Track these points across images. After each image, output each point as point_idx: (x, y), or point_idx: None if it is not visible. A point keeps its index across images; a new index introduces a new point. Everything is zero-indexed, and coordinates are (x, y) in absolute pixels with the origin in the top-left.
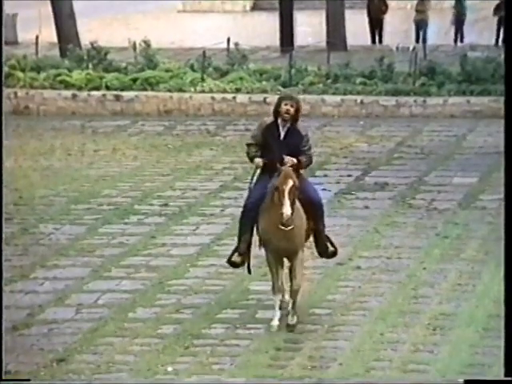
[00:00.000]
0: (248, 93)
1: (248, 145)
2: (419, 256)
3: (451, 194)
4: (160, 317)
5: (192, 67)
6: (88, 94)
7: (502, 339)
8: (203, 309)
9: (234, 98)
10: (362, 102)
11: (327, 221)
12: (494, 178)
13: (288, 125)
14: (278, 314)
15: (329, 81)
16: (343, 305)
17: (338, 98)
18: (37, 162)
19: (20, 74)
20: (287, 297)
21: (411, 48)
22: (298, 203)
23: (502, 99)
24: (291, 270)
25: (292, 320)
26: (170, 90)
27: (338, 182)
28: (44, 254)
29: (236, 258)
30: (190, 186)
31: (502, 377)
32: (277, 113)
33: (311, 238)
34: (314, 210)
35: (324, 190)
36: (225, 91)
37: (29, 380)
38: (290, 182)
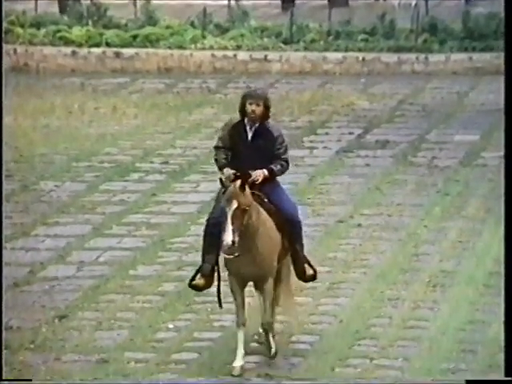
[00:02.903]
0: (249, 50)
1: (216, 148)
2: (420, 214)
3: (452, 152)
4: (161, 274)
5: (192, 24)
6: (88, 51)
7: (501, 297)
8: None
9: (235, 55)
10: (363, 59)
11: (328, 179)
12: (496, 136)
13: (257, 124)
14: (241, 352)
15: (330, 38)
16: (344, 262)
17: (339, 55)
18: (37, 121)
19: (19, 30)
20: (260, 329)
21: (413, 4)
22: (269, 220)
23: None
24: (261, 301)
25: (271, 352)
26: (170, 48)
27: (339, 140)
28: (45, 211)
29: (198, 281)
30: (191, 144)
31: (502, 377)
32: (243, 113)
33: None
34: (289, 227)
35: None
36: (225, 48)
37: (30, 380)
38: (234, 204)
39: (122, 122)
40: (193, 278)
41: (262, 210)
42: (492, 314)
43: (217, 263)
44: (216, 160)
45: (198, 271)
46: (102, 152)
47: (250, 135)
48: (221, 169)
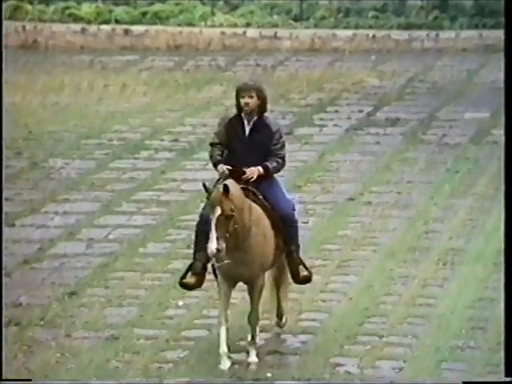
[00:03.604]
0: (259, 27)
1: (211, 144)
2: (430, 191)
3: (462, 130)
4: (171, 252)
5: (202, 1)
6: (97, 28)
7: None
8: None
9: (245, 32)
10: (373, 36)
11: (337, 157)
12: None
13: (254, 118)
14: (223, 351)
15: (340, 15)
16: (353, 240)
17: (349, 33)
18: (46, 98)
19: (28, 7)
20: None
21: None
22: (264, 218)
23: None
24: (250, 299)
25: (251, 357)
26: (179, 25)
27: (349, 118)
28: (54, 188)
29: (189, 279)
30: (201, 121)
31: (502, 377)
32: (238, 107)
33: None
34: (283, 226)
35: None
36: (235, 26)
37: (30, 380)
38: (218, 211)
39: (131, 99)
40: (183, 276)
41: (256, 207)
42: (500, 292)
43: (208, 261)
44: (211, 156)
45: (188, 269)
46: (112, 130)
47: (247, 130)
48: (215, 165)
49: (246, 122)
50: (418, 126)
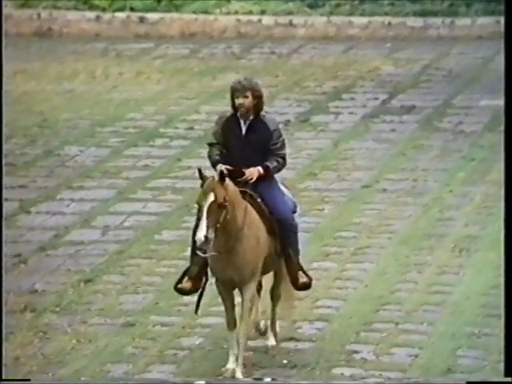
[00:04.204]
0: (274, 15)
1: (210, 145)
2: (445, 179)
3: (478, 117)
4: (186, 239)
5: None
6: (112, 15)
7: None
8: None
9: (260, 20)
10: (389, 23)
11: (353, 145)
12: None
13: (251, 117)
14: (233, 354)
15: (355, 2)
16: (368, 228)
17: (364, 20)
18: (60, 85)
19: None
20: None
21: None
22: (258, 221)
23: None
24: (241, 309)
25: (237, 373)
26: (194, 12)
27: (365, 106)
28: (69, 175)
29: (185, 284)
30: (215, 109)
31: (502, 377)
32: (234, 106)
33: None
34: (281, 230)
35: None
36: (250, 13)
37: (29, 380)
38: (211, 197)
39: (146, 87)
40: (179, 281)
41: (252, 210)
42: None
43: (206, 265)
44: (209, 157)
45: (184, 273)
46: (126, 117)
47: (243, 130)
48: (214, 166)
49: (242, 122)
50: (434, 113)
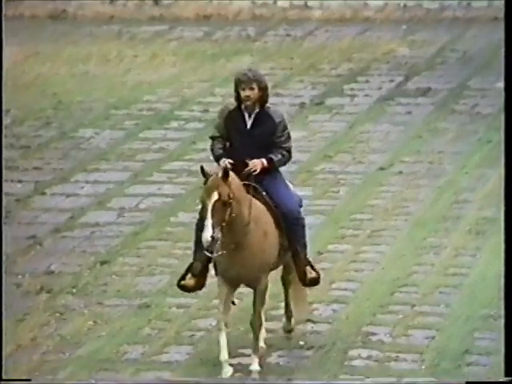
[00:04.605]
0: None
1: (212, 138)
2: (461, 161)
3: (494, 99)
4: None
5: None
6: None
7: None
8: None
9: (275, 2)
10: (404, 5)
11: (368, 127)
12: None
13: (256, 110)
14: (224, 357)
15: None
16: (384, 210)
17: (380, 2)
18: (74, 68)
19: None
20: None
21: None
22: (266, 214)
23: None
24: (253, 302)
25: (253, 365)
26: None
27: (380, 88)
28: (84, 158)
29: (188, 281)
30: (230, 92)
31: (502, 377)
32: (238, 99)
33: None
34: (287, 224)
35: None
36: None
37: (29, 380)
38: (215, 196)
39: (160, 70)
40: (182, 278)
41: (256, 203)
42: None
43: (209, 261)
44: (212, 150)
45: (187, 270)
46: (141, 100)
47: (248, 123)
48: (217, 160)
49: (246, 115)
50: (449, 95)
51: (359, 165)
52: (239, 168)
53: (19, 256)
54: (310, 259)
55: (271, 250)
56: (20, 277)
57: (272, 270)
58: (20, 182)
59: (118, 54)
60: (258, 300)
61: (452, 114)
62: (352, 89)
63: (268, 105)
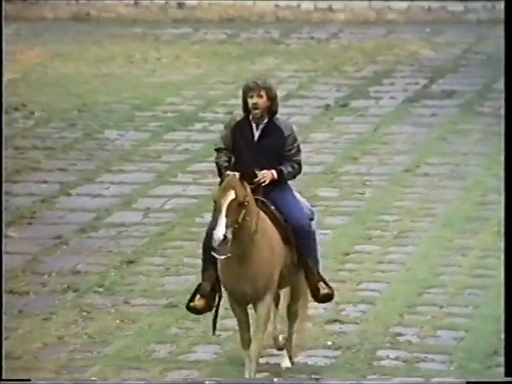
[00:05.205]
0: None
1: (217, 150)
2: (486, 162)
3: None
4: None
5: None
6: (150, 1)
7: None
8: None
9: (299, 5)
10: (428, 8)
11: (393, 129)
12: None
13: (265, 121)
14: (249, 373)
15: None
16: (410, 211)
17: (404, 4)
18: (98, 69)
19: None
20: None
21: None
22: (272, 229)
23: None
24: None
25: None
26: None
27: (406, 90)
28: (109, 159)
29: (197, 302)
30: None
31: (502, 377)
32: (246, 108)
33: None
34: (298, 238)
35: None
36: None
37: (29, 380)
38: (231, 195)
39: (184, 71)
40: (191, 299)
41: (264, 216)
42: None
43: (218, 281)
44: (217, 163)
45: (196, 291)
46: (165, 101)
47: (256, 134)
48: (222, 173)
49: (254, 126)
50: (474, 97)
51: (384, 166)
52: (248, 178)
53: (45, 255)
54: (334, 263)
55: (277, 268)
56: (46, 276)
57: (279, 288)
58: (45, 182)
59: (141, 56)
60: (260, 323)
61: (477, 115)
62: (377, 91)
63: (277, 116)
